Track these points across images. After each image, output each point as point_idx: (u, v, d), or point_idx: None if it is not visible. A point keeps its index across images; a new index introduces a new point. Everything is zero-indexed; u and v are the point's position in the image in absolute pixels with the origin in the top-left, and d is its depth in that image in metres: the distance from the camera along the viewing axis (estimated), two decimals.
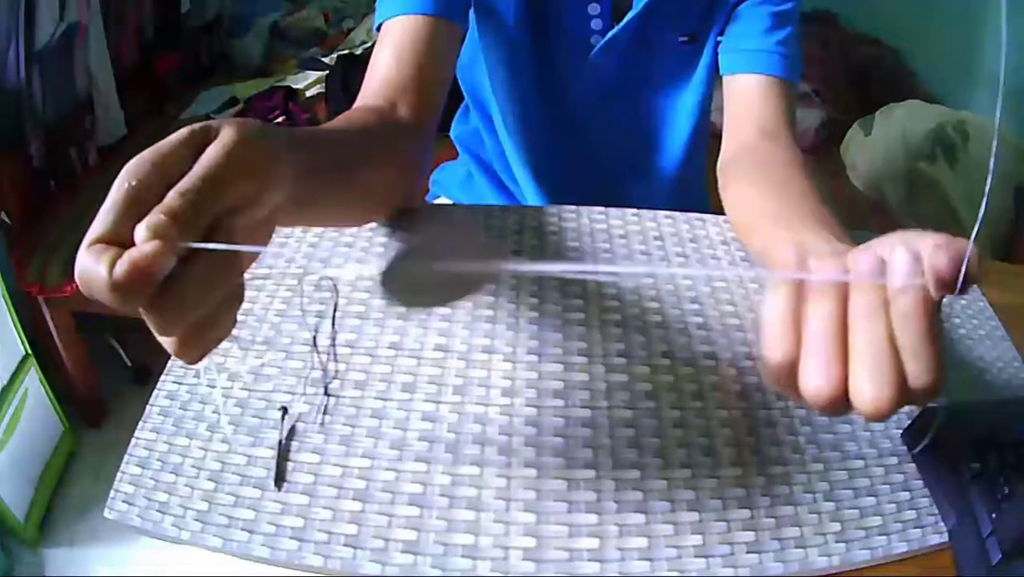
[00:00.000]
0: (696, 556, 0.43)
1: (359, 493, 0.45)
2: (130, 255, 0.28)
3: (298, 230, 0.64)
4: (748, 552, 0.44)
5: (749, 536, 0.45)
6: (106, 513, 0.45)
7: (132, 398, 1.44)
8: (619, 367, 0.54)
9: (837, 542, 0.45)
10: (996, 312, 0.63)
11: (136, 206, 0.30)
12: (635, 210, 0.69)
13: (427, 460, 0.47)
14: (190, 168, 0.31)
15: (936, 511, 0.47)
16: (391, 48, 0.62)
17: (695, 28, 0.73)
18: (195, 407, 0.51)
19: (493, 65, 0.76)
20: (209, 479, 0.46)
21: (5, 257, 1.27)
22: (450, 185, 0.95)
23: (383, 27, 0.64)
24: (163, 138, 0.33)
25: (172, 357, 0.53)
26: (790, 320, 0.32)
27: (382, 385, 0.52)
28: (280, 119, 1.63)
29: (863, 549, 0.45)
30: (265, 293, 0.58)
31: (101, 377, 1.45)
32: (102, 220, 0.30)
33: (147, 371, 1.49)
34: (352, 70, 1.70)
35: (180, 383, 0.52)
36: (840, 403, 0.32)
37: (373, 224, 0.65)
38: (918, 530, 0.46)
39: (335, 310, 0.57)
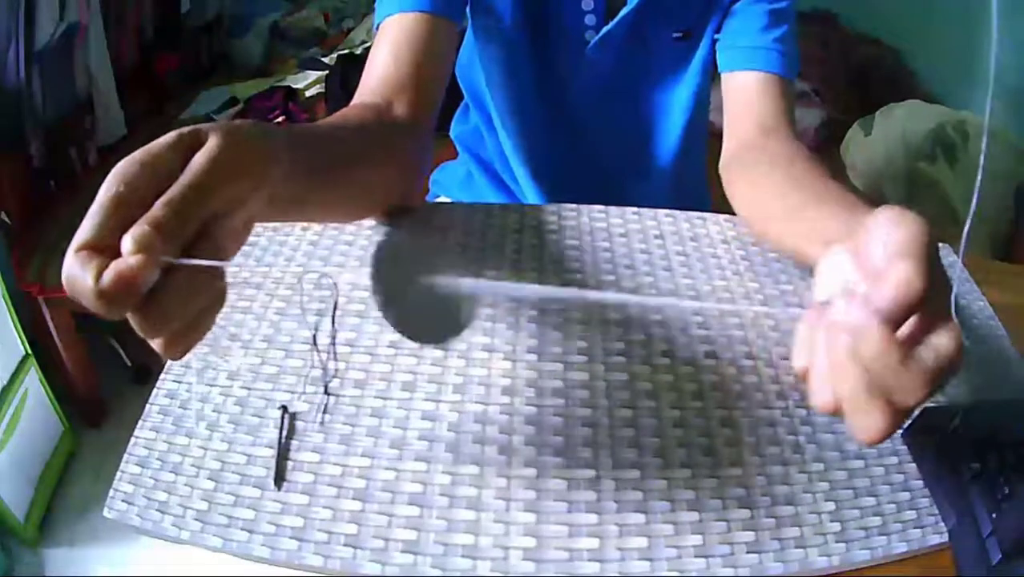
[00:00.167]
0: (696, 556, 0.43)
1: (359, 492, 0.45)
2: (116, 267, 0.29)
3: (298, 228, 0.64)
4: (748, 552, 0.44)
5: (749, 536, 0.45)
6: (106, 513, 0.45)
7: (132, 398, 1.44)
8: (619, 367, 0.54)
9: (837, 542, 0.45)
10: (996, 312, 0.63)
11: (123, 211, 0.30)
12: (635, 208, 0.69)
13: (427, 459, 0.47)
14: (179, 171, 0.32)
15: (936, 511, 0.47)
16: (389, 46, 0.63)
17: (689, 24, 0.73)
18: (195, 406, 0.51)
19: (490, 63, 0.76)
20: (209, 478, 0.46)
21: (5, 257, 1.27)
22: (450, 184, 0.95)
23: (381, 25, 0.64)
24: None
25: None
26: (807, 342, 0.35)
27: (382, 384, 0.52)
28: (280, 119, 1.64)
29: (863, 549, 0.45)
30: (265, 292, 0.58)
31: (101, 377, 1.45)
32: (89, 225, 0.30)
33: (147, 371, 1.49)
34: (352, 70, 1.70)
35: (180, 382, 0.52)
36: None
37: (373, 223, 0.65)
38: (918, 530, 0.46)
39: (335, 309, 0.57)
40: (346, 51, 1.87)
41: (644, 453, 0.48)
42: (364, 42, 1.89)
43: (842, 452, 0.50)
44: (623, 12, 0.70)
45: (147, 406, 0.51)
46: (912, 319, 0.30)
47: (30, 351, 1.24)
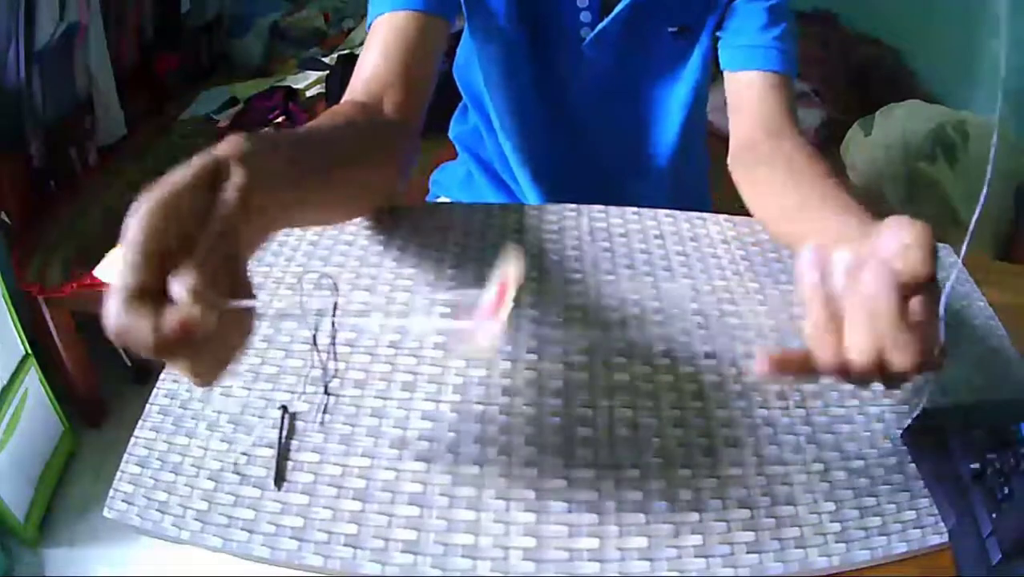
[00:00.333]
0: (696, 556, 0.43)
1: (359, 492, 0.45)
2: (179, 316, 0.29)
3: (297, 228, 0.64)
4: (748, 552, 0.44)
5: (749, 536, 0.45)
6: (106, 512, 0.45)
7: (132, 398, 1.44)
8: (619, 367, 0.54)
9: (837, 542, 0.45)
10: (996, 312, 0.63)
11: (159, 257, 0.31)
12: (635, 209, 0.69)
13: (427, 459, 0.47)
14: (204, 204, 0.32)
15: (936, 511, 0.47)
16: (380, 44, 0.63)
17: (686, 20, 0.73)
18: (195, 406, 0.51)
19: (487, 63, 0.76)
20: (209, 478, 0.46)
21: (5, 257, 1.27)
22: (450, 185, 0.95)
23: (373, 24, 0.65)
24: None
25: None
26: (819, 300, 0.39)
27: (382, 384, 0.52)
28: (280, 119, 1.64)
29: (863, 549, 0.45)
30: (265, 292, 0.58)
31: (101, 377, 1.45)
32: (130, 274, 0.30)
33: (147, 371, 1.49)
34: (352, 70, 1.70)
35: (180, 382, 0.52)
36: (847, 373, 0.38)
37: (372, 223, 0.65)
38: (918, 530, 0.46)
39: (335, 309, 0.56)
40: (346, 51, 1.87)
41: (644, 453, 0.48)
42: (364, 42, 1.89)
43: (842, 452, 0.50)
44: (618, 8, 0.70)
45: (147, 406, 0.51)
46: (915, 299, 0.36)
47: (30, 351, 1.24)
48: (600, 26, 0.72)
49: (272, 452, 0.47)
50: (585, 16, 0.72)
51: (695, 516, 0.45)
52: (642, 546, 0.44)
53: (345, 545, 0.43)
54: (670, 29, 0.74)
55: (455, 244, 0.63)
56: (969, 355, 0.59)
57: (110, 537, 1.26)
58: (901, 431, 0.52)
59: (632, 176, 0.85)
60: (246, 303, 0.32)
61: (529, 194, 0.84)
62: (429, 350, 0.54)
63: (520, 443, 0.48)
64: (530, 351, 0.54)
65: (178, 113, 1.69)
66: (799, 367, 0.39)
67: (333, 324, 0.55)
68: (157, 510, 0.45)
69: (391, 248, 0.63)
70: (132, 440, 0.49)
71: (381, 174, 0.60)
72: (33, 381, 1.25)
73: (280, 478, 0.46)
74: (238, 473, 0.47)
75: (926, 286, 0.37)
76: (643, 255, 0.64)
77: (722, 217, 0.69)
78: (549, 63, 0.76)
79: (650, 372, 0.54)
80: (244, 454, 0.48)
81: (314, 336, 0.54)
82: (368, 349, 0.54)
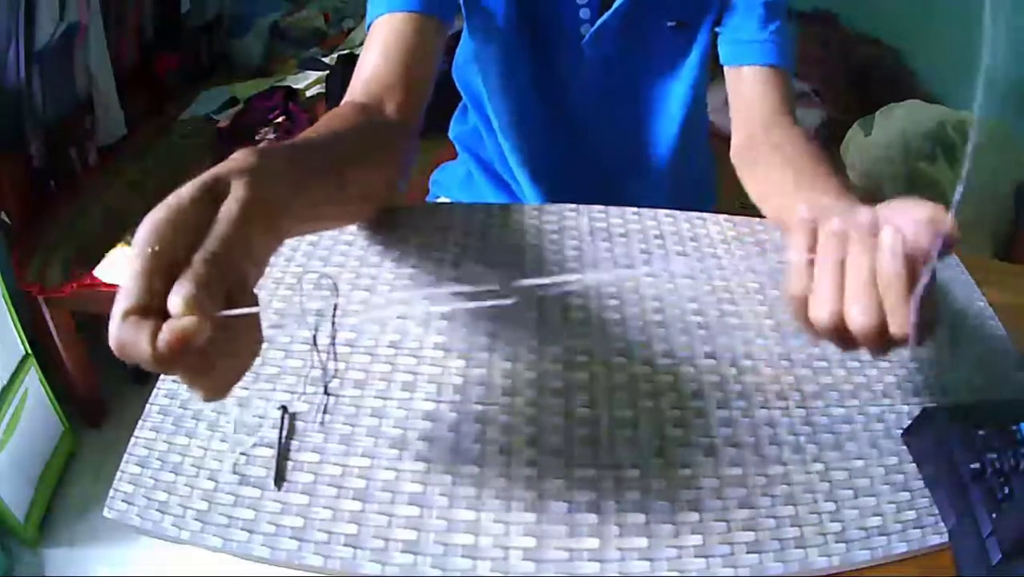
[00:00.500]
0: (696, 556, 0.43)
1: (359, 492, 0.45)
2: (171, 329, 0.29)
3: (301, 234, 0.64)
4: (748, 552, 0.44)
5: (749, 536, 0.45)
6: (106, 512, 0.45)
7: (132, 398, 1.44)
8: (619, 367, 0.54)
9: (837, 542, 0.45)
10: (996, 312, 0.63)
11: (163, 271, 0.31)
12: (635, 209, 0.69)
13: (427, 459, 0.47)
14: (205, 221, 0.32)
15: (936, 511, 0.47)
16: (379, 45, 0.64)
17: (685, 14, 0.74)
18: (195, 406, 0.50)
19: (486, 63, 0.76)
20: (209, 478, 0.46)
21: (5, 257, 1.27)
22: (450, 185, 0.95)
23: (372, 25, 0.66)
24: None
25: None
26: (803, 265, 0.40)
27: (382, 384, 0.52)
28: (280, 119, 1.63)
29: (863, 549, 0.45)
30: (265, 292, 0.58)
31: (101, 377, 1.45)
32: (132, 289, 0.30)
33: (147, 371, 1.49)
34: (352, 70, 1.70)
35: (180, 382, 0.52)
36: (841, 331, 0.38)
37: (372, 223, 0.65)
38: (918, 530, 0.46)
39: (335, 309, 0.57)
40: (346, 51, 1.87)
41: (644, 453, 0.48)
42: (364, 43, 1.89)
43: (842, 452, 0.50)
44: (617, 3, 0.71)
45: (147, 406, 0.51)
46: (919, 270, 0.37)
47: (30, 351, 1.24)
48: (600, 21, 0.72)
49: (272, 452, 0.47)
50: (584, 13, 0.72)
51: (695, 516, 0.45)
52: (642, 546, 0.44)
53: (345, 545, 0.43)
54: (669, 24, 0.74)
55: (455, 244, 0.63)
56: (969, 355, 0.59)
57: (110, 537, 1.26)
58: (901, 431, 0.52)
59: (632, 175, 0.85)
60: (242, 311, 0.32)
61: (529, 194, 0.84)
62: (429, 350, 0.54)
63: (520, 443, 0.48)
64: (530, 351, 0.54)
65: (178, 113, 1.69)
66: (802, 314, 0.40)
67: (333, 324, 0.55)
68: (157, 510, 0.45)
69: (391, 248, 0.63)
70: (132, 440, 0.49)
71: (382, 175, 0.60)
72: (33, 381, 1.25)
73: (280, 478, 0.46)
74: (238, 473, 0.47)
75: (927, 265, 0.37)
76: (643, 255, 0.64)
77: (722, 217, 0.69)
78: (549, 62, 0.76)
79: (650, 372, 0.54)
80: (244, 454, 0.48)
81: (314, 336, 0.54)
82: (368, 349, 0.54)
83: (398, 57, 0.63)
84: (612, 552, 0.43)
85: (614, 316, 0.58)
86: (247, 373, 0.35)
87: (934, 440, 0.49)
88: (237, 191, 0.34)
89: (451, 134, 0.94)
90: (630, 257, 0.63)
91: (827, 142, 1.81)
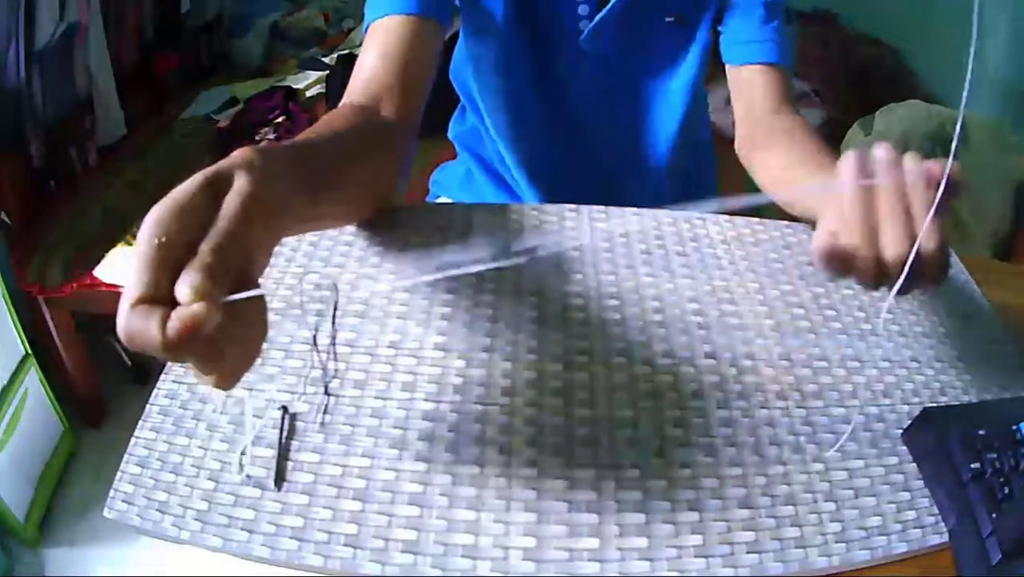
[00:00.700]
0: (696, 556, 0.43)
1: (359, 493, 0.45)
2: (180, 316, 0.30)
3: (301, 233, 0.64)
4: (748, 552, 0.44)
5: (749, 536, 0.45)
6: (106, 513, 0.45)
7: (132, 398, 1.44)
8: (619, 367, 0.54)
9: (837, 542, 0.45)
10: (996, 312, 0.63)
11: (169, 262, 0.31)
12: (635, 209, 0.69)
13: (427, 460, 0.47)
14: (209, 213, 0.33)
15: (936, 511, 0.47)
16: (376, 47, 0.64)
17: (683, 9, 0.75)
18: (195, 406, 0.51)
19: (484, 63, 0.77)
20: (209, 479, 0.46)
21: (5, 257, 1.27)
22: (450, 185, 0.95)
23: (370, 27, 0.66)
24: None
25: None
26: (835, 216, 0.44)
27: (382, 384, 0.52)
28: (280, 119, 1.63)
29: (863, 549, 0.45)
30: (265, 292, 0.58)
31: (101, 377, 1.45)
32: (139, 279, 0.31)
33: (147, 371, 1.49)
34: (352, 70, 1.70)
35: (180, 382, 0.52)
36: (881, 276, 0.42)
37: (372, 223, 0.65)
38: (918, 530, 0.46)
39: (335, 309, 0.57)
40: (346, 51, 1.87)
41: (644, 453, 0.48)
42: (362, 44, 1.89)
43: (842, 452, 0.50)
44: None
45: (147, 406, 0.51)
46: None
47: (30, 351, 1.24)
48: (598, 17, 0.72)
49: (272, 452, 0.47)
50: (583, 9, 0.73)
51: (695, 516, 0.45)
52: (642, 546, 0.44)
53: (345, 545, 0.43)
54: (667, 19, 0.75)
55: (455, 244, 0.63)
56: (969, 355, 0.59)
57: (110, 537, 1.26)
58: (901, 431, 0.52)
59: (632, 173, 0.85)
60: (248, 294, 0.33)
61: (528, 194, 0.84)
62: (429, 350, 0.54)
63: (520, 443, 0.48)
64: (530, 351, 0.54)
65: (178, 113, 1.69)
66: (843, 263, 0.43)
67: (333, 324, 0.55)
68: (157, 510, 0.45)
69: (391, 248, 0.63)
70: (132, 440, 0.49)
71: (382, 175, 0.61)
72: (33, 381, 1.25)
73: (280, 478, 0.46)
74: (250, 476, 0.47)
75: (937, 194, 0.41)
76: (643, 255, 0.64)
77: (722, 217, 0.69)
78: (547, 60, 0.76)
79: (650, 372, 0.54)
80: (244, 454, 0.48)
81: (314, 336, 0.54)
82: (368, 349, 0.54)
83: (396, 59, 0.63)
84: (612, 552, 0.43)
85: (614, 316, 0.58)
86: (249, 370, 0.35)
87: (934, 440, 0.49)
88: (239, 184, 0.34)
89: (450, 134, 0.94)
90: (630, 257, 0.63)
91: (827, 142, 1.81)
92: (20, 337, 1.22)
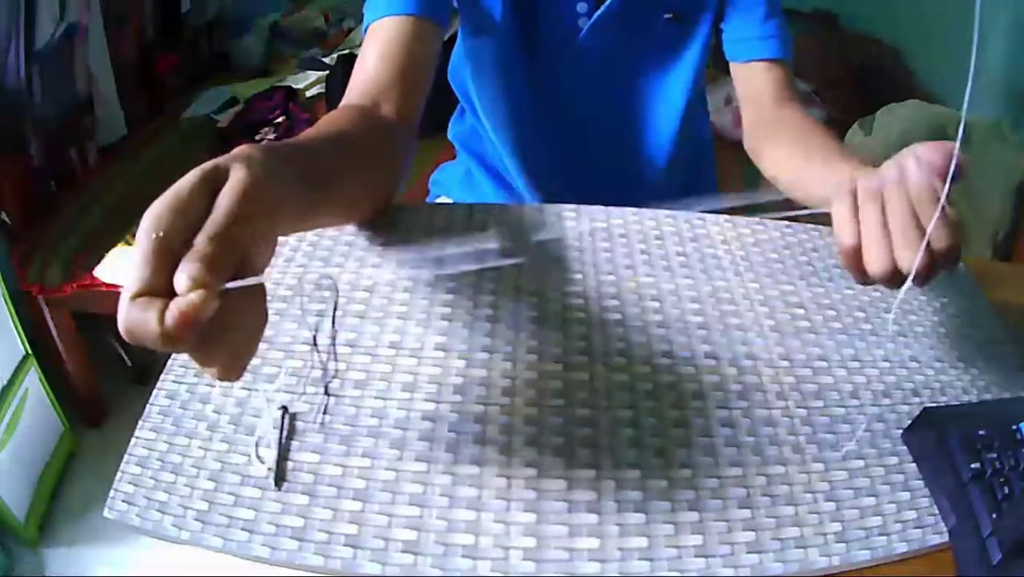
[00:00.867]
0: (696, 556, 0.43)
1: (359, 493, 0.45)
2: (178, 305, 0.30)
3: (299, 232, 0.64)
4: (748, 552, 0.44)
5: (749, 536, 0.45)
6: (106, 513, 0.45)
7: (132, 398, 1.44)
8: (619, 367, 0.54)
9: (837, 542, 0.45)
10: (996, 312, 0.63)
11: (168, 256, 0.31)
12: (635, 209, 0.69)
13: (427, 460, 0.47)
14: (206, 207, 0.33)
15: (936, 511, 0.47)
16: (375, 48, 0.64)
17: (681, 6, 0.75)
18: (195, 406, 0.51)
19: (482, 62, 0.77)
20: (209, 479, 0.46)
21: (5, 257, 1.27)
22: (450, 184, 0.95)
23: (369, 28, 0.66)
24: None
25: (172, 356, 0.53)
26: (852, 219, 0.46)
27: (382, 384, 0.52)
28: (280, 119, 1.63)
29: (863, 549, 0.45)
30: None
31: (101, 377, 1.45)
32: (139, 273, 0.31)
33: (147, 371, 1.49)
34: (352, 70, 1.70)
35: (180, 382, 0.52)
36: (894, 274, 0.44)
37: (372, 223, 0.65)
38: (918, 530, 0.46)
39: (335, 309, 0.57)
40: (346, 51, 1.87)
41: (644, 453, 0.48)
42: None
43: (842, 452, 0.50)
44: None
45: (147, 406, 0.51)
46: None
47: (30, 351, 1.24)
48: (597, 14, 0.73)
49: (272, 452, 0.47)
50: (581, 7, 0.73)
51: (695, 516, 0.45)
52: (642, 546, 0.44)
53: (345, 545, 0.43)
54: (665, 15, 0.75)
55: (454, 243, 0.63)
56: (969, 355, 0.59)
57: (110, 537, 1.26)
58: (901, 431, 0.52)
59: (632, 171, 0.85)
60: (245, 282, 0.32)
61: (528, 193, 0.84)
62: (429, 351, 0.54)
63: (520, 443, 0.48)
64: (530, 351, 0.54)
65: (178, 113, 1.69)
66: (858, 265, 0.46)
67: (333, 324, 0.55)
68: (157, 510, 0.45)
69: (391, 248, 0.63)
70: (132, 440, 0.49)
71: (381, 175, 0.61)
72: (33, 381, 1.25)
73: (280, 478, 0.46)
74: (238, 473, 0.47)
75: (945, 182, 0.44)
76: (643, 255, 0.64)
77: (722, 217, 0.69)
78: (546, 59, 0.76)
79: (650, 372, 0.54)
80: (244, 454, 0.48)
81: (314, 336, 0.54)
82: (368, 350, 0.54)
83: (395, 60, 0.64)
84: (612, 552, 0.43)
85: (614, 316, 0.58)
86: (246, 372, 0.35)
87: (934, 440, 0.49)
88: (236, 177, 0.34)
89: (450, 134, 0.94)
90: (630, 257, 0.63)
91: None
92: (20, 337, 1.22)
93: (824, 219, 0.70)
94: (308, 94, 1.78)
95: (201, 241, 0.31)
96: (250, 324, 0.34)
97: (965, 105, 0.40)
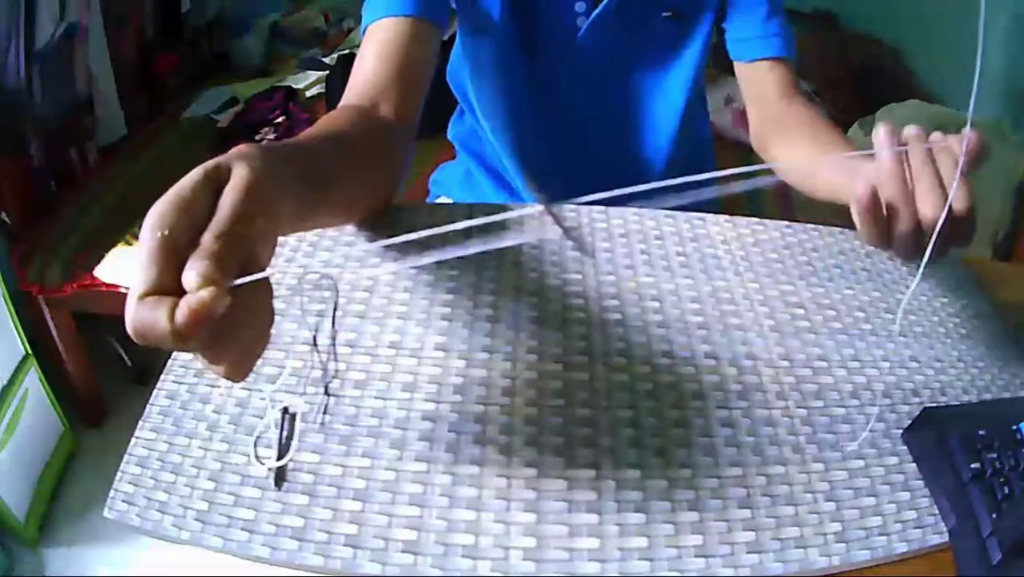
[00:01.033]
0: (696, 556, 0.43)
1: (359, 493, 0.45)
2: (188, 303, 0.30)
3: (299, 232, 0.64)
4: (748, 552, 0.44)
5: (749, 536, 0.45)
6: (106, 513, 0.45)
7: (132, 398, 1.44)
8: (619, 367, 0.54)
9: (837, 542, 0.45)
10: (996, 312, 0.63)
11: (174, 254, 0.31)
12: (635, 209, 0.69)
13: (427, 460, 0.47)
14: (210, 206, 0.33)
15: (936, 511, 0.47)
16: (374, 49, 0.65)
17: (680, 5, 0.76)
18: (195, 407, 0.51)
19: (481, 62, 0.77)
20: (209, 479, 0.46)
21: (5, 257, 1.27)
22: (450, 184, 0.95)
23: (368, 29, 0.66)
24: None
25: (172, 356, 0.53)
26: (878, 176, 0.48)
27: (382, 384, 0.52)
28: (280, 119, 1.63)
29: (863, 549, 0.45)
30: None
31: (101, 377, 1.45)
32: (146, 272, 0.31)
33: (147, 371, 1.49)
34: (351, 70, 1.70)
35: (180, 382, 0.52)
36: (918, 235, 0.46)
37: (372, 224, 0.65)
38: (918, 530, 0.46)
39: (335, 309, 0.57)
40: (346, 51, 1.87)
41: (644, 453, 0.48)
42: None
43: (842, 452, 0.50)
44: None
45: (147, 406, 0.51)
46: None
47: (30, 351, 1.24)
48: (595, 13, 0.73)
49: (272, 452, 0.47)
50: (580, 6, 0.73)
51: (695, 516, 0.45)
52: (642, 546, 0.44)
53: (345, 545, 0.43)
54: (664, 14, 0.76)
55: (455, 244, 0.63)
56: (969, 355, 0.59)
57: (110, 537, 1.26)
58: (901, 431, 0.52)
59: (632, 170, 0.85)
60: (254, 277, 0.32)
61: (528, 193, 0.84)
62: (429, 351, 0.54)
63: (520, 443, 0.48)
64: (530, 351, 0.54)
65: (178, 113, 1.69)
66: (879, 220, 0.47)
67: (333, 324, 0.55)
68: (157, 510, 0.45)
69: (391, 249, 0.62)
70: (132, 440, 0.49)
71: (380, 175, 0.61)
72: (33, 381, 1.25)
73: (280, 478, 0.46)
74: (238, 473, 0.47)
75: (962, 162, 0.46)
76: (643, 255, 0.64)
77: (722, 217, 0.69)
78: (545, 58, 0.76)
79: (650, 372, 0.54)
80: (244, 454, 0.48)
81: (314, 336, 0.54)
82: (368, 350, 0.54)
83: (393, 61, 0.64)
84: (612, 552, 0.43)
85: (614, 316, 0.58)
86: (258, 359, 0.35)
87: (934, 440, 0.49)
88: (238, 175, 0.34)
89: (450, 134, 0.94)
90: (630, 257, 0.63)
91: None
92: (20, 337, 1.22)
93: (823, 218, 0.70)
94: (308, 94, 1.78)
95: (208, 239, 0.31)
96: (259, 321, 0.34)
97: (972, 104, 0.40)
